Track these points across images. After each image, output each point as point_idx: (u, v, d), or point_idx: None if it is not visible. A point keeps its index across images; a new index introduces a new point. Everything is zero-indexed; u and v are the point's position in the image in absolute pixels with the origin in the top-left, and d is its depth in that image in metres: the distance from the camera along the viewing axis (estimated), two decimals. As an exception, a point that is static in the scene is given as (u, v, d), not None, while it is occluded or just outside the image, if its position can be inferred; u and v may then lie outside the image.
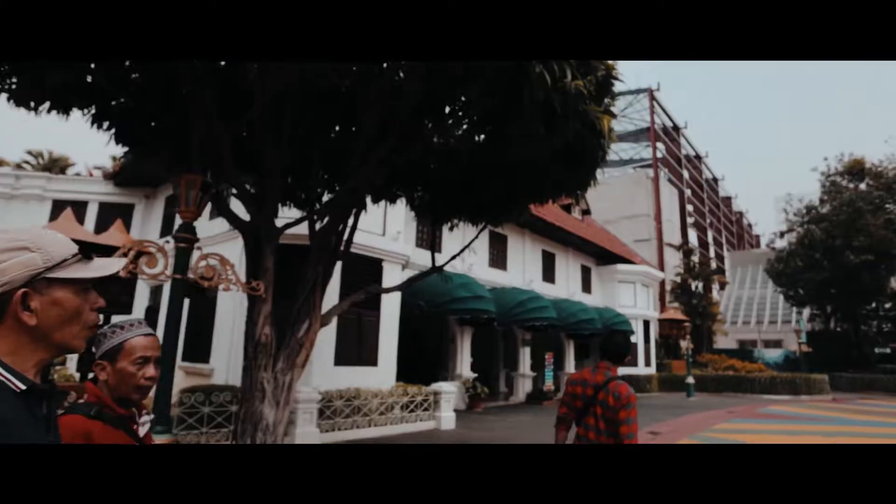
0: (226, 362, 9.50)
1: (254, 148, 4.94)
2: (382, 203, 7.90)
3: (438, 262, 13.53)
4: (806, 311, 30.77)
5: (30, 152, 22.87)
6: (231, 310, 9.42)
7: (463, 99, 4.94)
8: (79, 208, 14.22)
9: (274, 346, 5.14)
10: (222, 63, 4.58)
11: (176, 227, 4.48)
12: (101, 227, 14.66)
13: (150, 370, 1.50)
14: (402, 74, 4.65)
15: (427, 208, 7.57)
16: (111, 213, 14.39)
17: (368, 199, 7.48)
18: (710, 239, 43.51)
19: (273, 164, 4.99)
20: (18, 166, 20.43)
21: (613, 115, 5.00)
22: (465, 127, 5.79)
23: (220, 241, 10.92)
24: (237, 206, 6.15)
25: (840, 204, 24.57)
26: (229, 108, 4.66)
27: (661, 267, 32.18)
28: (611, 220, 35.90)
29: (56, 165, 22.64)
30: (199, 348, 10.32)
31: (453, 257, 7.48)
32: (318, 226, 6.25)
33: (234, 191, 5.42)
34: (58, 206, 14.28)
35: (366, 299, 10.09)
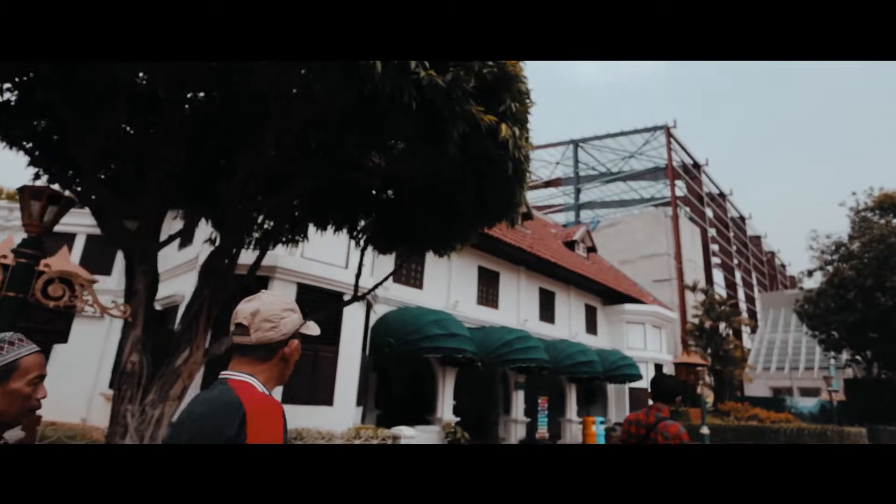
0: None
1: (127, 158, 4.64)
2: (345, 234, 7.43)
3: (425, 298, 13.04)
4: (845, 356, 28.50)
5: (45, 191, 23.83)
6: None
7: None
8: (67, 240, 14.37)
9: (146, 376, 4.66)
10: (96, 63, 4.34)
11: (17, 241, 4.14)
12: (86, 258, 14.76)
13: (43, 390, 1.38)
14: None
15: (366, 236, 7.15)
16: (97, 245, 14.53)
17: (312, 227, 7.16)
18: (738, 280, 41.53)
19: (152, 175, 4.65)
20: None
21: (518, 122, 4.48)
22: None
23: (185, 271, 10.71)
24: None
25: (870, 240, 22.97)
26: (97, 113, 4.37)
27: (682, 308, 30.66)
28: (629, 260, 34.76)
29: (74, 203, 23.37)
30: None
31: (378, 284, 6.98)
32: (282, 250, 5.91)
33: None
34: (52, 238, 14.46)
35: (323, 334, 9.64)
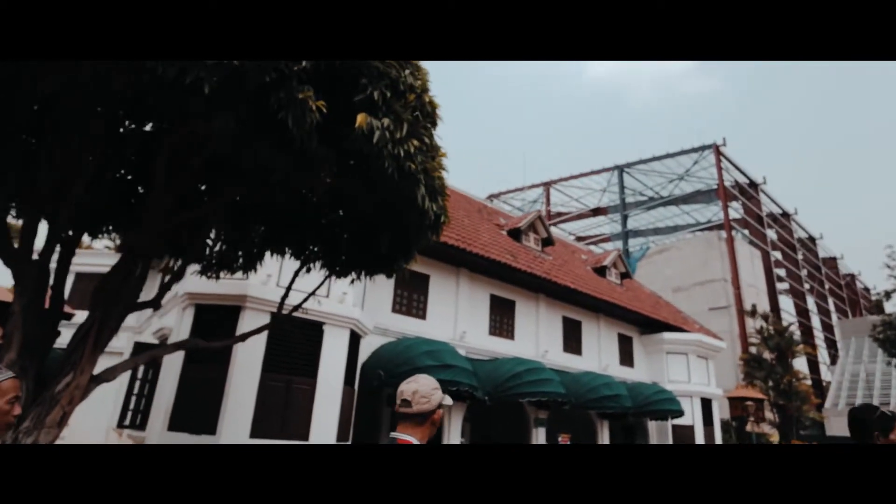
0: (159, 429, 8.89)
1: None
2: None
3: (428, 329, 12.51)
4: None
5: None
6: (169, 371, 8.97)
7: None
8: (86, 280, 15.12)
9: (23, 402, 4.46)
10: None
11: None
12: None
13: (18, 408, 1.82)
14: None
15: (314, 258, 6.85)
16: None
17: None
18: (811, 306, 37.81)
19: (37, 188, 4.57)
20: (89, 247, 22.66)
21: (393, 114, 4.07)
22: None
23: (174, 305, 10.80)
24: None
25: (955, 255, 20.21)
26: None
27: (743, 337, 28.14)
28: (682, 287, 32.68)
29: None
30: (142, 414, 9.96)
31: (297, 307, 6.58)
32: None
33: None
34: (80, 279, 15.19)
35: (300, 365, 9.31)
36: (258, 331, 6.33)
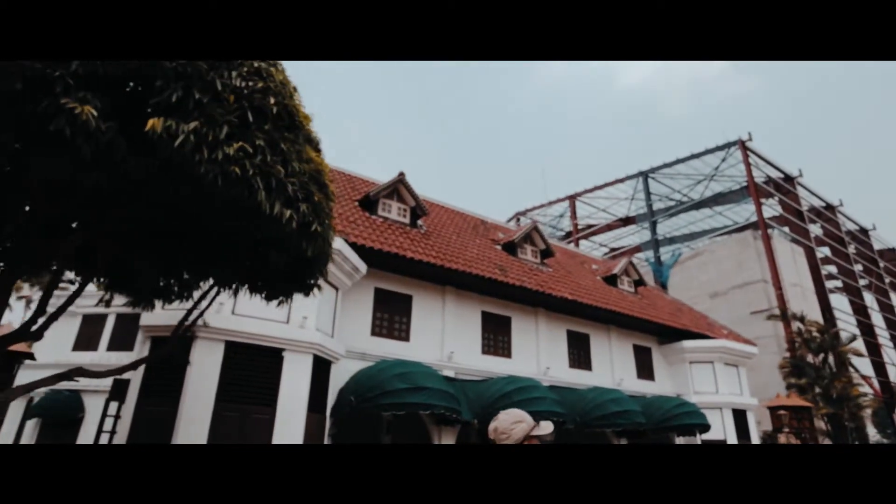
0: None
1: None
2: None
3: (412, 351, 12.08)
4: None
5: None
6: (129, 406, 8.95)
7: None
8: (100, 321, 15.64)
9: None
10: None
11: None
12: (115, 337, 15.87)
13: None
14: None
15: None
16: (125, 324, 15.54)
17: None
18: (870, 303, 34.73)
19: None
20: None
21: (208, 119, 3.84)
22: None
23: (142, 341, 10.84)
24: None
25: None
26: None
27: (790, 340, 26.02)
28: (720, 292, 30.90)
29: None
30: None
31: (179, 327, 6.31)
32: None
33: None
34: (87, 321, 15.76)
35: (257, 394, 9.07)
36: (140, 362, 6.14)
